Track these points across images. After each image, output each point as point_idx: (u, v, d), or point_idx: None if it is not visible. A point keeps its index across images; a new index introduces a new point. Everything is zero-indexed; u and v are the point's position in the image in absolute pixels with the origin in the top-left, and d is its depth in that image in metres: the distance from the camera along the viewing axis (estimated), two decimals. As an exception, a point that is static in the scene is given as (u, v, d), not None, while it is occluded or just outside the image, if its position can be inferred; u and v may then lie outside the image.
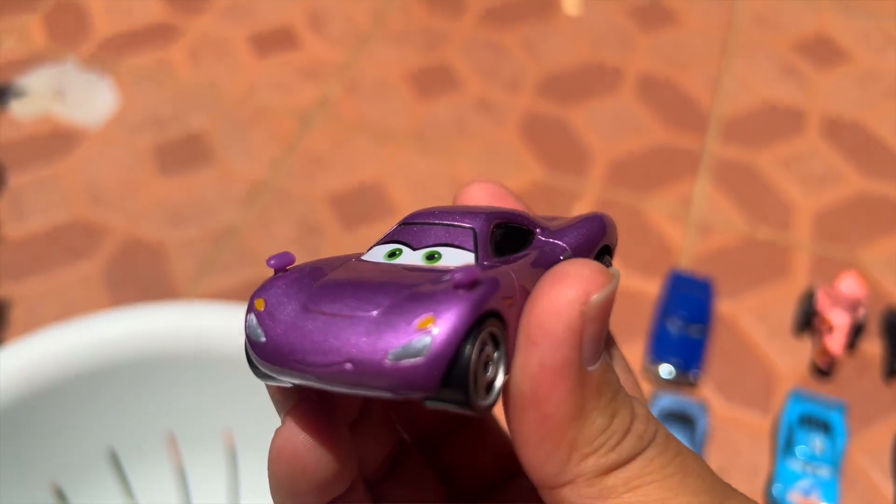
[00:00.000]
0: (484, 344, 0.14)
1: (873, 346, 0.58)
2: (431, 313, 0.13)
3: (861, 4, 0.85)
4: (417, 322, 0.13)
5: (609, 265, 0.19)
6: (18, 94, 0.75)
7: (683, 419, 0.52)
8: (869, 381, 0.57)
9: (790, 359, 0.58)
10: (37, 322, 0.58)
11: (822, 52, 0.80)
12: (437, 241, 0.16)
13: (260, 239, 0.64)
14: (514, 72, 0.78)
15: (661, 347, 0.57)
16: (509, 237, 0.17)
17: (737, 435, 0.54)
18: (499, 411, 0.16)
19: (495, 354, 0.14)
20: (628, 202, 0.67)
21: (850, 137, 0.72)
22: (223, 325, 0.39)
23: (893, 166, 0.70)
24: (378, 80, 0.77)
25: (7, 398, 0.36)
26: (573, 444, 0.14)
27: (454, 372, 0.13)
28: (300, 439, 0.15)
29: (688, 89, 0.76)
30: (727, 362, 0.57)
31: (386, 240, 0.17)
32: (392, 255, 0.16)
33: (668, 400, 0.53)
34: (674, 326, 0.57)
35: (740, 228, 0.66)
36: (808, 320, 0.58)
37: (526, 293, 0.15)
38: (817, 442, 0.51)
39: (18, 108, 0.74)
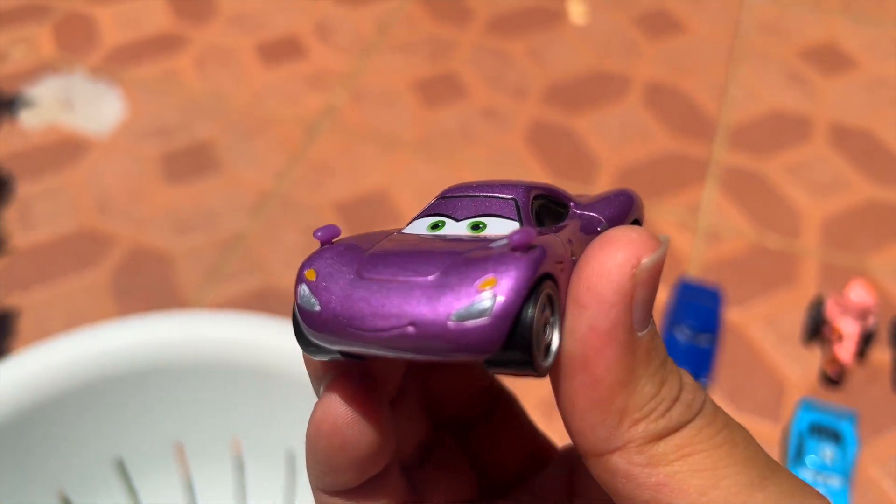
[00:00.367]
0: (544, 306, 0.14)
1: (883, 355, 0.58)
2: (492, 274, 0.13)
3: (868, 12, 0.85)
4: (479, 283, 0.13)
5: None
6: (27, 104, 0.75)
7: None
8: (879, 390, 0.56)
9: (799, 367, 0.57)
10: (44, 331, 0.58)
11: (829, 59, 0.80)
12: (481, 212, 0.16)
13: (266, 247, 0.64)
14: (520, 80, 0.78)
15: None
16: (547, 209, 0.17)
17: (746, 444, 0.53)
18: (524, 393, 0.16)
19: (552, 318, 0.14)
20: (635, 210, 0.67)
21: (857, 144, 0.72)
22: (230, 334, 0.39)
23: (902, 173, 0.70)
24: (384, 88, 0.77)
25: (15, 407, 0.36)
26: (623, 409, 0.14)
27: (518, 332, 0.13)
28: (341, 411, 0.15)
29: (695, 97, 0.76)
30: (736, 371, 0.57)
31: (427, 213, 0.17)
32: (435, 226, 0.16)
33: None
34: (682, 335, 0.57)
35: (748, 236, 0.65)
36: (818, 329, 0.58)
37: (571, 260, 0.15)
38: (828, 451, 0.51)
39: (27, 118, 0.74)
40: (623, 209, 0.19)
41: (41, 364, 0.37)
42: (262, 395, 0.39)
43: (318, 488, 0.17)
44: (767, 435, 0.54)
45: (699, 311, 0.58)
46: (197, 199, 0.68)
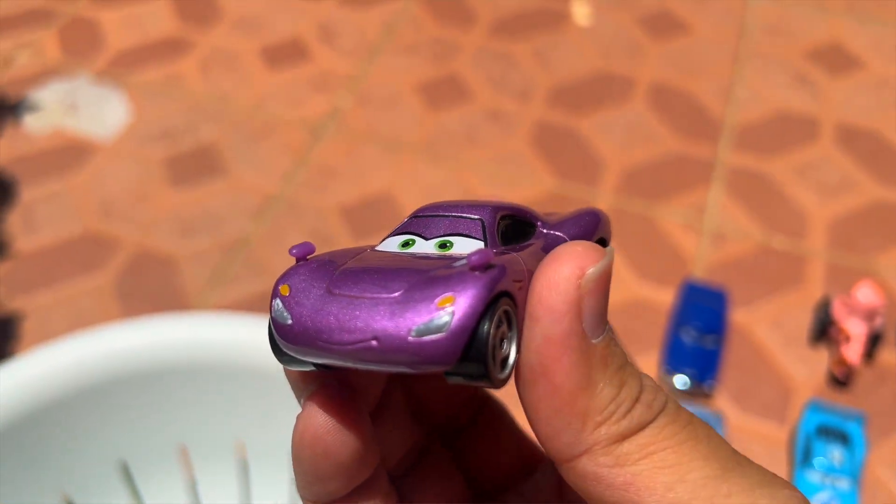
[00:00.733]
0: (500, 321, 0.15)
1: (891, 356, 0.57)
2: (451, 293, 0.14)
3: (871, 12, 0.84)
4: (438, 301, 0.14)
5: None
6: (32, 108, 0.75)
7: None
8: (887, 391, 0.56)
9: (806, 369, 0.57)
10: (48, 334, 0.58)
11: (835, 59, 0.80)
12: (448, 231, 0.17)
13: (271, 250, 0.64)
14: (525, 82, 0.78)
15: (675, 358, 0.56)
16: (513, 229, 0.18)
17: (753, 446, 0.53)
18: (513, 400, 0.16)
19: (509, 333, 0.15)
20: (641, 211, 0.67)
21: (863, 145, 0.72)
22: (235, 336, 0.39)
23: (909, 174, 0.69)
24: (389, 91, 0.77)
25: (19, 410, 0.36)
26: (585, 412, 0.15)
27: (473, 346, 0.14)
28: (321, 421, 0.16)
29: (700, 98, 0.76)
30: (742, 372, 0.57)
31: (398, 231, 0.18)
32: (405, 244, 0.17)
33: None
34: (688, 337, 0.57)
35: (754, 237, 0.65)
36: (825, 330, 0.57)
37: (531, 278, 0.16)
38: (836, 453, 0.50)
39: (32, 123, 0.74)
40: (588, 228, 0.19)
41: (45, 366, 0.37)
42: (265, 397, 0.39)
43: (308, 499, 0.17)
44: (774, 436, 0.53)
45: (705, 312, 0.58)
46: (201, 202, 0.68)
